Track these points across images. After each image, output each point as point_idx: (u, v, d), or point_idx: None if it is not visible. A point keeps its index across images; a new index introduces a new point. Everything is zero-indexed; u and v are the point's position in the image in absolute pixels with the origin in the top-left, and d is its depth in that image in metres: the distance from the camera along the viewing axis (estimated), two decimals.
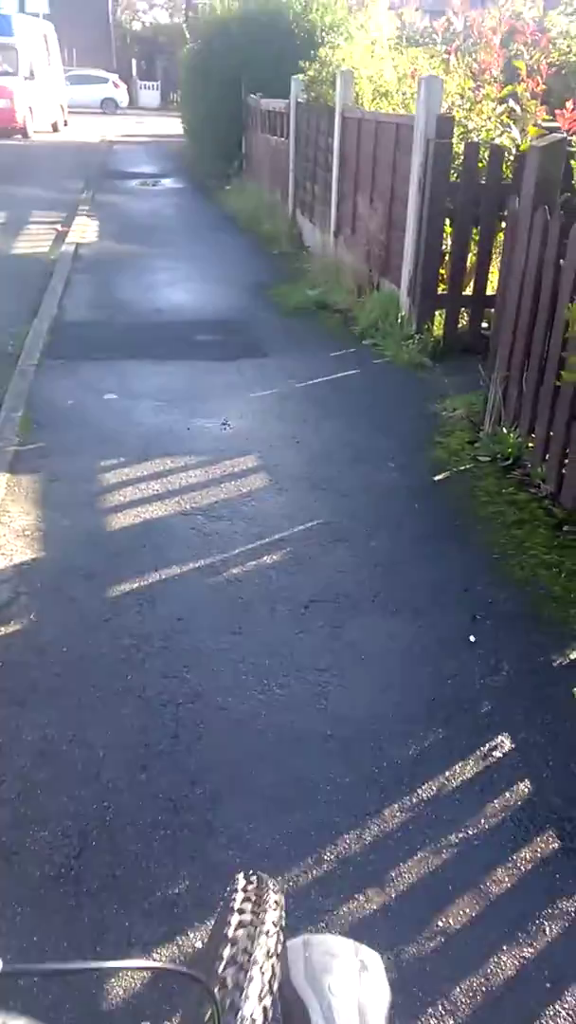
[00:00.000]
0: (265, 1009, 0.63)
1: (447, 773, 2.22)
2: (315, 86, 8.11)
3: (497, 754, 2.29)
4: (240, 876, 0.86)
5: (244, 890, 0.83)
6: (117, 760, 2.23)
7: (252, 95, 11.90)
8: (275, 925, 0.78)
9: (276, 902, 0.83)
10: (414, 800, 2.14)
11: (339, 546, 3.32)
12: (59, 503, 3.62)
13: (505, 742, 2.33)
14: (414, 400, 4.91)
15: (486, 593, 3.04)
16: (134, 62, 43.47)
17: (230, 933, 0.73)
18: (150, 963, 0.83)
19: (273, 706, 2.45)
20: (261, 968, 0.67)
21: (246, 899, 0.81)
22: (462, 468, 4.02)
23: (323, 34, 11.52)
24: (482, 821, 2.08)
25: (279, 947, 0.64)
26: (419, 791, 2.16)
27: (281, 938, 0.77)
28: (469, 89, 5.70)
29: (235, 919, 0.76)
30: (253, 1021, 0.62)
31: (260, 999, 0.63)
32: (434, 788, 2.17)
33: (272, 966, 0.67)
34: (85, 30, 41.49)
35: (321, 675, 2.59)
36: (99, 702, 2.45)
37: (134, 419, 4.52)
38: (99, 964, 0.62)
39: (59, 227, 10.05)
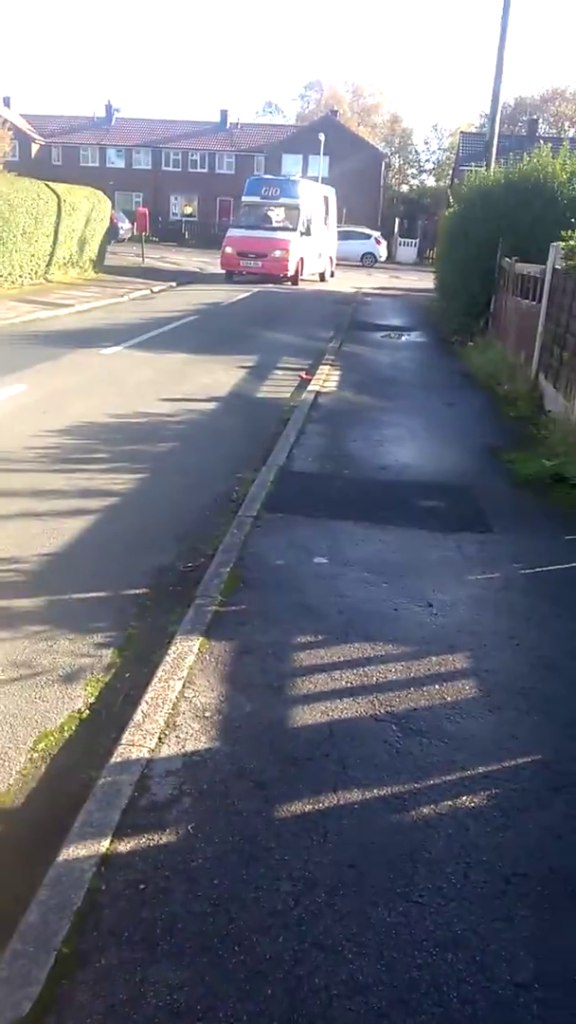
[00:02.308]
0: None
1: None
2: (575, 255, 7.90)
3: None
4: None
5: None
6: None
7: (507, 258, 11.98)
8: None
9: None
10: None
11: (558, 799, 2.74)
12: (246, 682, 3.36)
13: None
14: None
15: None
16: (397, 221, 46.60)
17: None
18: None
19: None
20: None
21: None
22: None
23: None
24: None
25: None
26: None
27: None
28: None
29: None
30: None
31: None
32: None
33: None
34: (357, 191, 45.50)
35: (518, 994, 2.02)
36: (240, 968, 2.05)
37: (340, 590, 4.25)
38: None
39: (303, 374, 10.46)
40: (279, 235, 23.89)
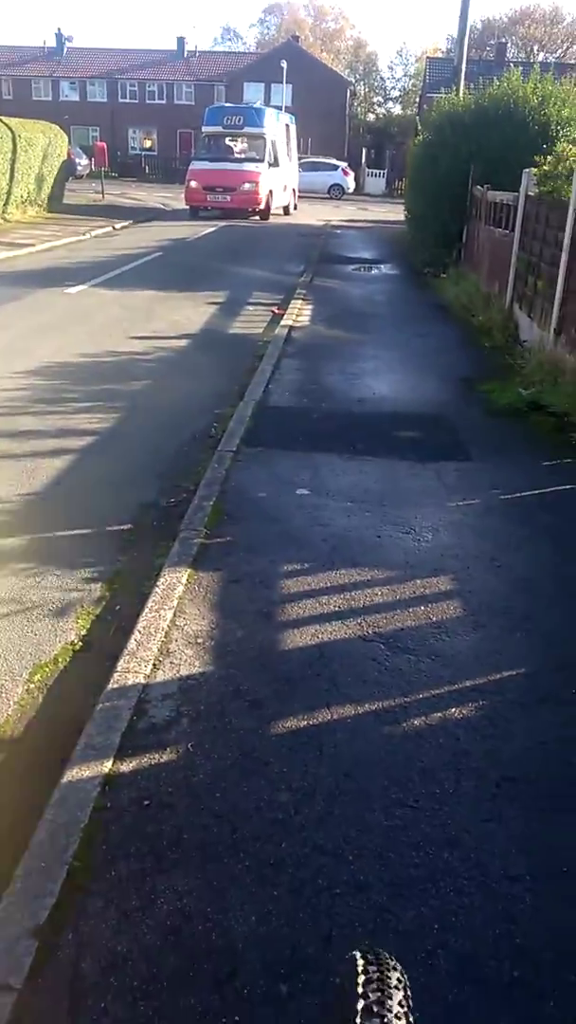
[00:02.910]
0: None
1: None
2: (548, 180, 7.80)
3: None
4: (359, 956, 0.86)
5: (365, 971, 0.83)
6: (255, 964, 1.90)
7: (478, 186, 11.79)
8: (402, 1007, 0.82)
9: (399, 980, 0.84)
10: None
11: (543, 709, 2.84)
12: (236, 609, 3.41)
13: None
14: None
15: None
16: (364, 151, 45.49)
17: (359, 1005, 0.78)
18: None
19: (446, 922, 2.02)
20: None
21: (368, 981, 0.82)
22: None
23: (559, 128, 11.28)
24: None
25: None
26: None
27: (411, 1020, 0.81)
28: None
29: (360, 1005, 0.78)
30: None
31: None
32: None
33: None
34: (322, 121, 44.29)
35: (511, 886, 2.13)
36: (246, 873, 2.13)
37: (323, 519, 4.29)
38: None
39: (275, 309, 10.33)
40: (247, 167, 22.82)
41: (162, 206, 26.72)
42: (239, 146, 23.94)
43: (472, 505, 4.58)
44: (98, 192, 27.54)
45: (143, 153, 49.01)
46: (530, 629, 3.34)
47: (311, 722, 2.72)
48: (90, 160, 37.00)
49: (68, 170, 25.22)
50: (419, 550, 4.00)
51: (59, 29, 53.34)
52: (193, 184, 22.86)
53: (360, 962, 0.87)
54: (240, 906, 2.04)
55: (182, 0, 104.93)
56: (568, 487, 4.85)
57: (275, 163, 23.77)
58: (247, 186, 22.43)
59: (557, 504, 4.64)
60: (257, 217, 23.07)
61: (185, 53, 52.53)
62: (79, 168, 36.88)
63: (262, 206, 22.96)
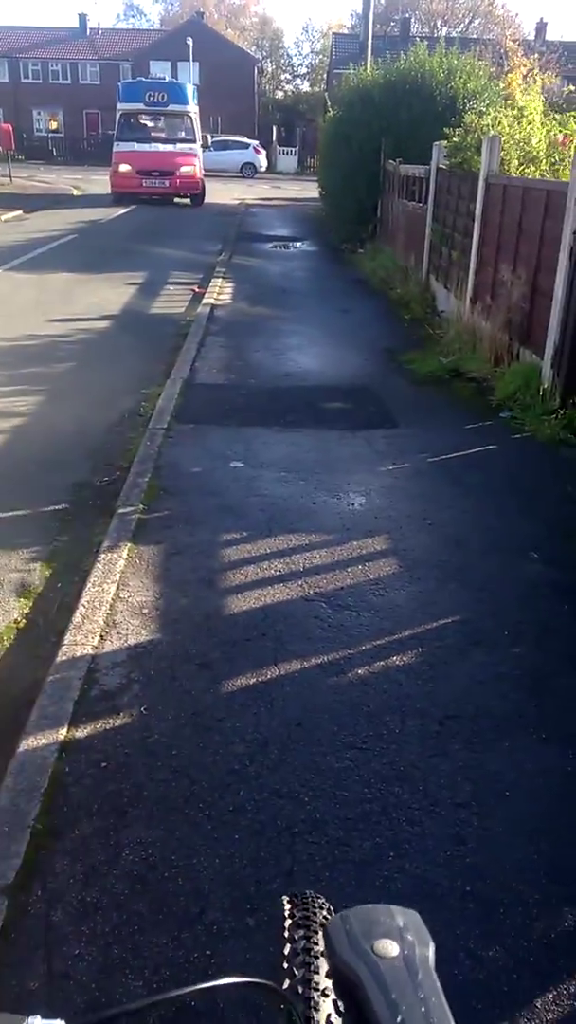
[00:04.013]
0: (335, 1002, 0.71)
1: None
2: (458, 152, 7.99)
3: None
4: (285, 900, 0.89)
5: (292, 915, 0.86)
6: (222, 902, 1.98)
7: (391, 161, 11.95)
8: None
9: (325, 919, 0.86)
10: None
11: (477, 651, 2.99)
12: (179, 579, 3.46)
13: None
14: (558, 481, 4.55)
15: None
16: (274, 129, 45.23)
17: (287, 949, 0.81)
18: (230, 980, 0.70)
19: (400, 848, 2.15)
20: (320, 969, 0.75)
21: (295, 914, 0.86)
22: None
23: (465, 101, 11.50)
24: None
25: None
26: None
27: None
28: None
29: (287, 949, 0.81)
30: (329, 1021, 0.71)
31: (327, 997, 0.72)
32: None
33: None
34: (231, 99, 43.79)
35: (458, 811, 2.27)
36: (206, 821, 2.21)
37: (259, 490, 4.36)
38: (176, 993, 0.65)
39: (196, 288, 10.28)
40: (183, 148, 20.77)
41: (73, 188, 26.10)
42: (170, 125, 21.87)
43: (402, 469, 4.72)
44: (5, 176, 26.69)
45: (49, 135, 47.54)
46: (463, 580, 3.50)
47: (260, 679, 2.81)
48: None
49: None
50: (354, 514, 4.12)
51: None
52: (124, 168, 20.45)
53: (287, 907, 0.89)
54: (204, 851, 2.12)
55: None
56: (490, 447, 5.04)
57: (207, 145, 22.40)
58: (186, 169, 20.65)
59: (481, 463, 4.82)
60: (188, 201, 21.41)
61: (88, 31, 51.10)
62: None
63: (199, 190, 21.33)
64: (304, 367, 6.85)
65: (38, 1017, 0.57)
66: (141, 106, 21.60)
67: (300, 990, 0.74)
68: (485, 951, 1.89)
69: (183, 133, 21.59)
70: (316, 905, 0.90)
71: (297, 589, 3.40)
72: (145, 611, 3.21)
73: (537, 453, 4.93)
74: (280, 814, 2.24)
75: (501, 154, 6.96)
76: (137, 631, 3.07)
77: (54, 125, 48.62)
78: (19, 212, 18.69)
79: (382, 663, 2.90)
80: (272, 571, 3.54)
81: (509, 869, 2.10)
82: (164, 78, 28.07)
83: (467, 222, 7.63)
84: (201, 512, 4.08)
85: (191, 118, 21.78)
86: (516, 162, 6.84)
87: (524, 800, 2.32)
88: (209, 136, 30.53)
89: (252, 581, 3.46)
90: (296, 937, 0.83)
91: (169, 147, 20.92)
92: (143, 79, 26.75)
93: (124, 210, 19.54)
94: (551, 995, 1.80)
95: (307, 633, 3.08)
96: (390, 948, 0.61)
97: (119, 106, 21.84)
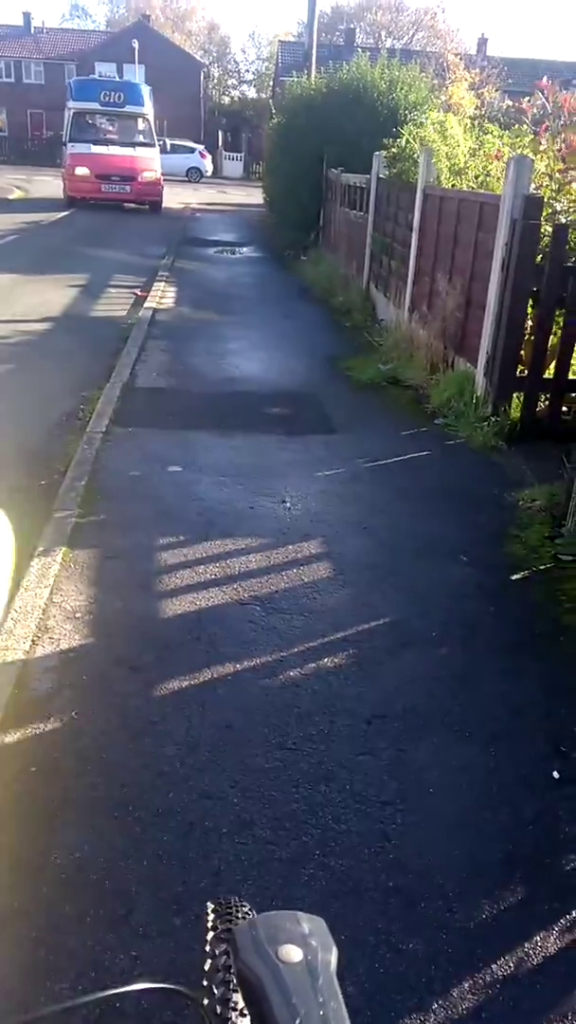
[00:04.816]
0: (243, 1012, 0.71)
1: None
2: (397, 163, 8.14)
3: None
4: (210, 904, 0.90)
5: (216, 912, 0.88)
6: (150, 903, 2.00)
7: (333, 169, 12.09)
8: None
9: (246, 915, 0.88)
10: None
11: (406, 652, 3.06)
12: (114, 583, 3.46)
13: None
14: (488, 487, 4.67)
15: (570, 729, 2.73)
16: (220, 134, 45.28)
17: (207, 950, 0.82)
18: (145, 985, 0.74)
19: (326, 846, 2.19)
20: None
21: (219, 919, 0.86)
22: (542, 567, 3.74)
23: (406, 112, 11.70)
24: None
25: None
26: None
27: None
28: (558, 171, 5.57)
29: (210, 936, 0.83)
30: None
31: (245, 1018, 0.70)
32: None
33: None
34: (177, 103, 43.60)
35: (383, 809, 2.32)
36: (133, 812, 2.23)
37: (197, 494, 4.38)
38: (94, 996, 0.69)
39: (138, 291, 10.24)
40: (143, 152, 19.94)
41: (17, 189, 25.67)
42: (127, 127, 21.05)
43: (339, 474, 4.79)
44: None
45: None
46: (394, 583, 3.58)
47: (192, 682, 2.83)
48: None
49: None
50: (290, 518, 4.17)
51: None
52: (80, 171, 19.33)
53: (210, 916, 0.89)
54: (132, 853, 2.13)
55: None
56: (425, 453, 5.15)
57: (166, 148, 22.01)
58: (148, 175, 19.81)
59: (415, 469, 4.92)
60: (147, 208, 20.39)
61: (32, 29, 50.40)
62: None
63: (160, 197, 20.47)
64: (245, 372, 6.89)
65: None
66: (96, 106, 20.62)
67: (219, 1010, 0.75)
68: (406, 944, 1.94)
69: (141, 136, 20.90)
70: (240, 914, 0.90)
71: (232, 593, 3.43)
72: (79, 615, 3.20)
73: (469, 459, 5.06)
74: (208, 815, 2.27)
75: (436, 165, 7.12)
76: (70, 635, 3.06)
77: None
78: None
79: (314, 665, 2.95)
80: (208, 575, 3.56)
81: (431, 864, 2.16)
82: (115, 78, 27.18)
83: (406, 232, 7.77)
84: (138, 516, 4.08)
85: (148, 120, 21.16)
86: (447, 172, 7.01)
87: (447, 797, 2.39)
88: (167, 140, 29.84)
89: (187, 585, 3.47)
90: (217, 952, 0.83)
91: (128, 150, 20.03)
92: (96, 77, 25.67)
93: (65, 212, 19.30)
94: (467, 984, 1.86)
95: (241, 636, 3.11)
96: (293, 954, 0.63)
97: (70, 104, 20.76)
